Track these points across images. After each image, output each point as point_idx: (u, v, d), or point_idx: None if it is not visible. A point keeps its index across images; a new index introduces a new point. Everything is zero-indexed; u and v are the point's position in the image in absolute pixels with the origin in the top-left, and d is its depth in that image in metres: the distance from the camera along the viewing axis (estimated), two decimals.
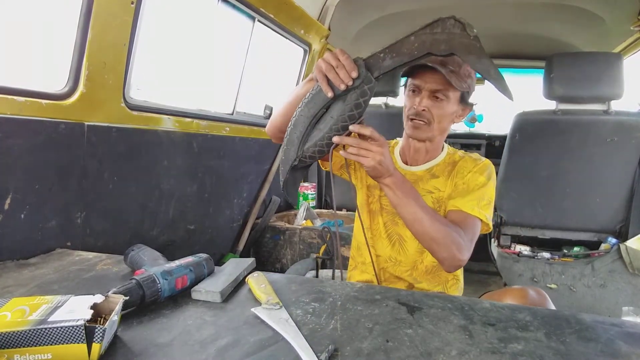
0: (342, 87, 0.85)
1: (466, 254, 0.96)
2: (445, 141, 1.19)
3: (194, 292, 0.79)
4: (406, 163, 1.18)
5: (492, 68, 0.82)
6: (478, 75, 0.97)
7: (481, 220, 1.04)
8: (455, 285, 1.18)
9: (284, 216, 2.51)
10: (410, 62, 0.86)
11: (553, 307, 0.98)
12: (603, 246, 1.99)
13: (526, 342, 0.65)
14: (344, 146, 0.91)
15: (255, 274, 0.88)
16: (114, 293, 0.65)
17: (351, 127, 0.88)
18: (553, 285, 1.95)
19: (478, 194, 1.06)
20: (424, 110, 1.06)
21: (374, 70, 0.87)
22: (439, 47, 0.83)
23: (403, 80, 1.14)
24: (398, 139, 1.27)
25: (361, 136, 0.90)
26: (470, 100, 1.12)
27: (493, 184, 1.09)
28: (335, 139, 0.89)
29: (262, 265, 2.28)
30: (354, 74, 0.84)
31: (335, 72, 0.85)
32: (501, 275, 2.10)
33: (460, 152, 1.18)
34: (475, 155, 1.16)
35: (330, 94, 0.86)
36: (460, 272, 1.20)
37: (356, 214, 1.20)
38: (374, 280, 1.17)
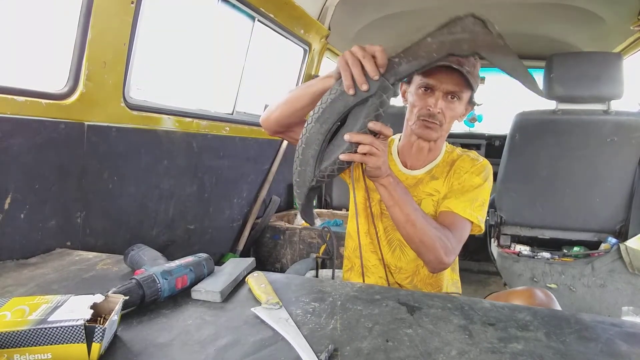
0: (364, 87, 0.78)
1: (452, 257, 0.96)
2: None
3: (194, 292, 0.79)
4: (405, 166, 1.15)
5: (519, 66, 0.78)
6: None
7: (472, 222, 1.03)
8: (454, 287, 1.17)
9: (284, 216, 2.51)
10: (429, 65, 0.81)
11: (559, 308, 0.97)
12: (603, 246, 1.99)
13: (526, 342, 0.65)
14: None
15: (255, 273, 0.88)
16: (114, 293, 0.65)
17: (371, 125, 0.80)
18: (553, 285, 1.95)
19: (472, 195, 1.04)
20: (439, 112, 1.03)
21: (389, 77, 0.80)
22: (461, 47, 0.78)
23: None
24: (393, 136, 1.21)
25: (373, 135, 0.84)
26: (474, 99, 1.09)
27: (489, 185, 1.08)
28: (346, 137, 0.82)
29: (262, 265, 2.28)
30: (379, 72, 0.78)
31: (360, 67, 0.77)
32: (501, 275, 2.10)
33: (459, 150, 1.15)
34: (473, 154, 1.13)
35: (352, 91, 0.79)
36: (457, 275, 1.20)
37: (349, 214, 1.17)
38: (379, 283, 1.15)
